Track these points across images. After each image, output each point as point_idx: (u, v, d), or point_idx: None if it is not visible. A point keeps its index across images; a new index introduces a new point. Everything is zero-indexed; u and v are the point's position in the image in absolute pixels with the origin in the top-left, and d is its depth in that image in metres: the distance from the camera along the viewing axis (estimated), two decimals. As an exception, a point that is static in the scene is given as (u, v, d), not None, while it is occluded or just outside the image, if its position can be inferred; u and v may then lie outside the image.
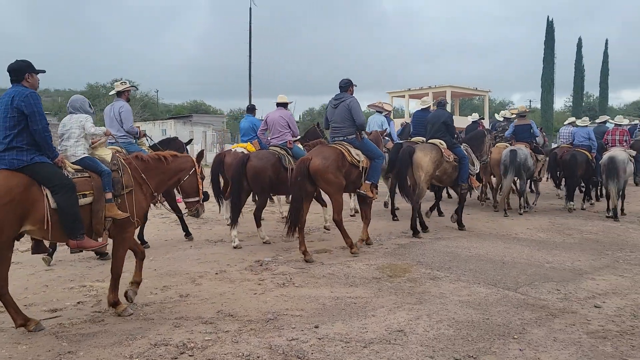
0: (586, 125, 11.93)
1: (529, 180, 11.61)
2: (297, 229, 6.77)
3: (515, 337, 4.14)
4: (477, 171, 9.48)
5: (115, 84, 7.65)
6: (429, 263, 6.51)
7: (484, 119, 12.84)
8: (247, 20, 38.48)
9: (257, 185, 7.58)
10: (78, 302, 5.05)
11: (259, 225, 7.92)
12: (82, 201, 4.36)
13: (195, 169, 5.45)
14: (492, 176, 11.80)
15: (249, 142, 9.63)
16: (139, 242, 6.07)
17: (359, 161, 7.06)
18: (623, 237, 8.25)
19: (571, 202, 11.19)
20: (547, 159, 11.89)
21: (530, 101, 68.00)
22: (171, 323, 4.39)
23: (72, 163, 4.57)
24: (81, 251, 4.66)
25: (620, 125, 11.41)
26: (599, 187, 13.10)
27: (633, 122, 19.47)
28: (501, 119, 12.97)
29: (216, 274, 6.06)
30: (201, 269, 6.31)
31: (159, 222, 9.79)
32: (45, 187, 4.12)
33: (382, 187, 9.51)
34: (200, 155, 5.64)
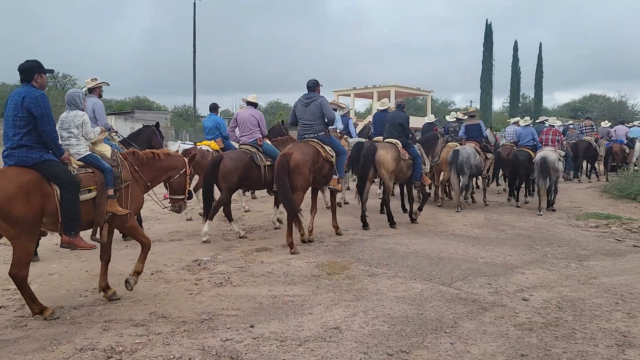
0: (528, 125, 12.61)
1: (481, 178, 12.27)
2: (296, 216, 7.13)
3: (447, 331, 4.25)
4: (428, 170, 9.93)
5: (86, 80, 7.53)
6: (367, 260, 6.59)
7: (432, 122, 13.48)
8: (192, 15, 37.89)
9: (226, 183, 7.81)
10: (0, 307, 4.79)
11: (230, 220, 8.32)
12: (87, 196, 4.64)
13: (186, 169, 5.75)
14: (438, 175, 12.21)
15: (212, 141, 9.76)
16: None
17: (332, 156, 7.59)
18: (552, 233, 8.64)
19: (515, 198, 11.97)
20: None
21: (471, 102, 70.20)
22: (100, 326, 4.23)
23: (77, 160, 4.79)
24: (69, 247, 4.68)
25: (553, 126, 12.08)
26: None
27: (567, 123, 20.59)
28: (452, 120, 13.52)
29: (152, 274, 5.90)
30: (136, 269, 6.11)
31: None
32: (54, 183, 4.37)
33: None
34: (192, 157, 6.00)
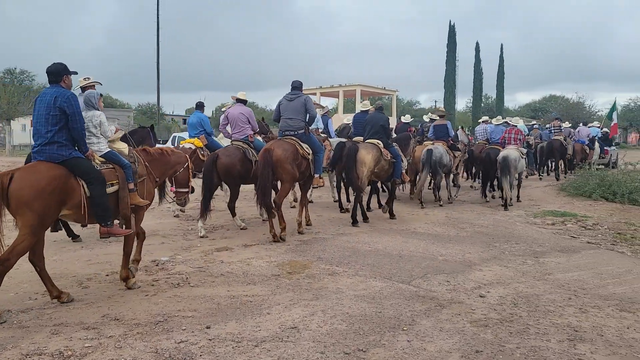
0: (500, 124, 13.39)
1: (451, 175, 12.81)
2: (270, 210, 7.64)
3: (405, 328, 4.27)
4: (406, 168, 10.44)
5: (79, 80, 7.65)
6: (329, 259, 6.58)
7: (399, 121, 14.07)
8: (156, 12, 37.20)
9: (230, 178, 8.29)
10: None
11: (234, 215, 8.66)
12: (110, 189, 5.00)
13: (189, 163, 6.30)
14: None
15: (196, 138, 9.90)
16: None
17: (309, 153, 8.00)
18: (510, 230, 8.82)
19: (492, 193, 12.66)
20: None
21: (435, 101, 71.18)
22: (49, 330, 4.08)
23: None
24: (109, 237, 5.23)
25: (515, 125, 12.73)
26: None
27: (531, 123, 21.26)
28: (427, 120, 13.95)
29: (107, 275, 5.74)
30: (91, 270, 5.94)
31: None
32: (82, 179, 4.69)
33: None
34: (193, 152, 6.80)
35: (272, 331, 4.14)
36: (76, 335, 3.99)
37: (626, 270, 6.33)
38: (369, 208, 10.55)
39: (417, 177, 12.12)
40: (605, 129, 22.96)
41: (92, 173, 4.78)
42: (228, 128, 9.03)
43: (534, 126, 21.67)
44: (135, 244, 5.50)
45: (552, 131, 18.63)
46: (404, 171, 10.02)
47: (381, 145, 9.31)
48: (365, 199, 10.17)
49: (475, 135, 15.73)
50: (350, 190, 10.62)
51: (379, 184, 11.39)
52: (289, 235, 7.98)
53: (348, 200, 11.12)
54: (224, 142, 10.49)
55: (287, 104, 8.07)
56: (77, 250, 6.95)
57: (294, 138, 7.93)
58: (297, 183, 8.58)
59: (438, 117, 12.86)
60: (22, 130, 42.22)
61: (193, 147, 8.82)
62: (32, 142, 4.84)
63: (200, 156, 9.19)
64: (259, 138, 9.12)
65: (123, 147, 5.62)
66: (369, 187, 10.65)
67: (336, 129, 14.01)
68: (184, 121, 57.90)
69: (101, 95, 5.73)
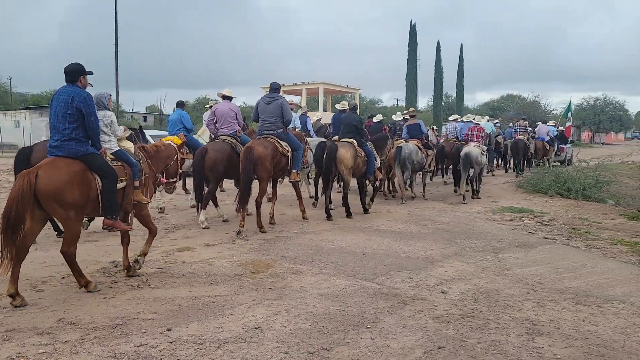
0: (470, 121, 14.04)
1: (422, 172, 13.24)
2: (245, 205, 8.01)
3: (369, 326, 4.28)
4: (379, 166, 10.82)
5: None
6: (292, 257, 6.54)
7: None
8: (114, 7, 36.26)
9: (214, 173, 8.48)
10: None
11: (216, 205, 9.32)
12: (120, 185, 5.29)
13: (177, 156, 6.92)
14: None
15: (175, 135, 9.71)
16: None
17: (287, 151, 8.39)
18: (470, 227, 8.98)
19: (460, 187, 12.80)
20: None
21: (397, 100, 72.08)
22: (0, 336, 3.90)
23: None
24: (111, 230, 5.40)
25: (478, 123, 13.44)
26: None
27: (494, 122, 22.01)
28: (400, 119, 14.31)
29: (63, 278, 5.55)
30: (46, 273, 5.73)
31: None
32: (96, 174, 4.99)
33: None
34: (182, 145, 7.19)
35: (235, 332, 4.08)
36: (29, 341, 3.83)
37: (581, 264, 6.54)
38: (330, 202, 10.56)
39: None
40: (561, 128, 23.80)
41: (106, 169, 5.10)
42: (216, 124, 9.23)
43: (495, 124, 22.45)
44: (128, 238, 5.85)
45: (518, 130, 19.45)
46: (376, 169, 10.42)
47: (355, 143, 9.64)
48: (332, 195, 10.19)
49: (446, 133, 16.50)
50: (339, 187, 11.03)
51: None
52: (252, 234, 7.91)
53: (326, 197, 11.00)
54: (202, 139, 10.94)
55: (265, 107, 8.44)
56: (31, 252, 6.65)
57: (273, 137, 8.32)
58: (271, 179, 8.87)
59: (409, 117, 13.17)
60: (14, 127, 38.63)
61: (172, 144, 8.84)
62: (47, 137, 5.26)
63: (180, 154, 9.13)
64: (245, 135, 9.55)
65: (129, 145, 5.93)
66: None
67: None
68: (144, 119, 56.71)
69: (110, 95, 6.02)
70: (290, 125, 9.33)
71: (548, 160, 19.61)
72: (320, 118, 16.10)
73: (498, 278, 5.83)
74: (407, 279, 5.69)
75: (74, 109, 4.87)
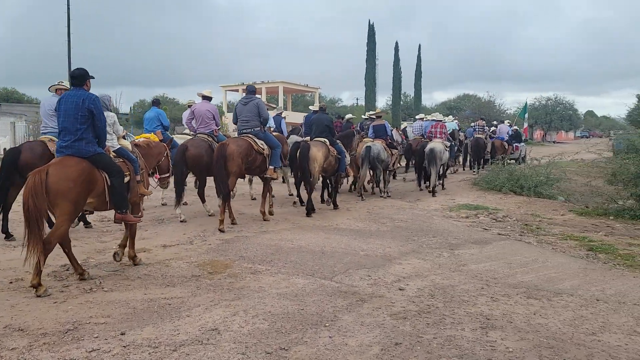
0: (434, 119, 14.76)
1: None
2: (228, 201, 8.38)
3: (327, 324, 4.29)
4: (349, 162, 11.25)
5: (55, 83, 8.10)
6: (251, 257, 6.49)
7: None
8: (66, 1, 35.06)
9: (195, 170, 9.09)
10: None
11: (203, 201, 9.51)
12: (125, 180, 5.68)
13: (167, 152, 7.64)
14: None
15: (152, 133, 10.04)
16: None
17: (263, 149, 8.69)
18: (428, 224, 9.14)
19: (431, 182, 13.36)
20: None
21: (357, 99, 72.56)
22: (-59, 346, 3.72)
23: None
24: (121, 223, 5.87)
25: (440, 120, 14.28)
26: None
27: (454, 121, 22.70)
28: (367, 118, 14.81)
29: (10, 283, 5.32)
30: (-8, 278, 5.49)
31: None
32: (104, 171, 5.37)
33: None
34: (170, 141, 8.28)
35: (192, 334, 4.01)
36: (-27, 349, 3.66)
37: (533, 259, 6.75)
38: (322, 200, 11.36)
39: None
40: (515, 127, 24.73)
41: (113, 166, 5.51)
42: (194, 122, 9.69)
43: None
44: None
45: (476, 129, 20.28)
46: (347, 166, 10.98)
47: (327, 142, 10.10)
48: (319, 193, 11.38)
49: (412, 132, 17.37)
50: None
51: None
52: (211, 234, 7.82)
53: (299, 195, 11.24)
54: (179, 139, 11.26)
55: (242, 107, 8.90)
56: (-23, 257, 6.40)
57: (250, 135, 8.70)
58: (259, 177, 9.47)
59: (375, 117, 13.52)
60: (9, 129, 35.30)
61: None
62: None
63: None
64: (222, 134, 10.06)
65: (127, 144, 6.42)
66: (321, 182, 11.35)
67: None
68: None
69: (110, 97, 6.45)
70: (267, 125, 9.54)
71: (504, 158, 20.38)
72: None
73: (454, 274, 5.95)
74: (366, 277, 5.74)
75: (85, 110, 5.23)
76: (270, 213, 9.46)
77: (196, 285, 5.31)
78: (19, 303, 4.70)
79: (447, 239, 7.86)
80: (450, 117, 21.69)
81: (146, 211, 9.89)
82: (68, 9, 34.81)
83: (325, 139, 10.13)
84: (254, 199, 11.47)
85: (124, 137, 6.60)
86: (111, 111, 6.18)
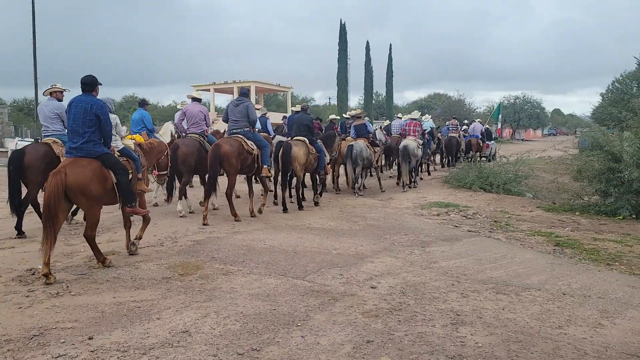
0: (410, 118, 15.19)
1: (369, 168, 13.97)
2: (209, 198, 8.96)
3: (299, 324, 4.28)
4: (329, 162, 11.73)
5: (49, 86, 8.43)
6: (223, 258, 6.44)
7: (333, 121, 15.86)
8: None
9: (186, 166, 9.40)
10: None
11: (185, 198, 9.85)
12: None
13: (167, 151, 8.56)
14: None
15: (137, 134, 10.33)
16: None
17: (252, 149, 9.13)
18: (399, 222, 9.21)
19: (402, 177, 14.02)
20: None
21: (329, 98, 72.66)
22: None
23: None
24: (133, 215, 6.50)
25: (414, 119, 14.72)
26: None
27: (430, 120, 23.18)
28: (349, 117, 15.15)
29: (-27, 289, 5.17)
30: (-47, 284, 5.32)
31: None
32: (111, 170, 5.89)
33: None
34: (172, 141, 9.35)
35: (162, 337, 3.96)
36: None
37: (502, 255, 6.87)
38: (304, 198, 11.29)
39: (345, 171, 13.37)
40: (487, 126, 25.30)
41: (119, 165, 6.02)
42: (184, 123, 10.15)
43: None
44: (130, 223, 6.75)
45: (450, 128, 21.13)
46: (328, 164, 11.52)
47: (307, 141, 10.49)
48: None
49: (390, 130, 17.84)
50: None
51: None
52: (182, 235, 7.73)
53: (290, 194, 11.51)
54: (163, 139, 11.62)
55: (233, 109, 9.35)
56: (-63, 263, 6.19)
57: (240, 135, 9.10)
58: (253, 176, 10.06)
59: (357, 117, 13.82)
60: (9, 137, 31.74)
61: (135, 142, 9.37)
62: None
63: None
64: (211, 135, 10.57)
65: (129, 143, 6.99)
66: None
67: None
68: (67, 117, 53.89)
69: (114, 100, 7.01)
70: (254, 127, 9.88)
71: (480, 156, 21.15)
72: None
73: (425, 271, 6.01)
74: (338, 276, 5.75)
75: (92, 114, 5.72)
76: (260, 211, 9.68)
77: (167, 288, 5.24)
78: (-19, 309, 4.56)
79: (419, 237, 7.94)
80: (428, 116, 22.37)
81: (112, 213, 9.73)
82: (33, 6, 33.99)
83: (304, 138, 10.50)
84: (239, 196, 11.65)
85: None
86: (114, 114, 6.64)
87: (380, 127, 19.22)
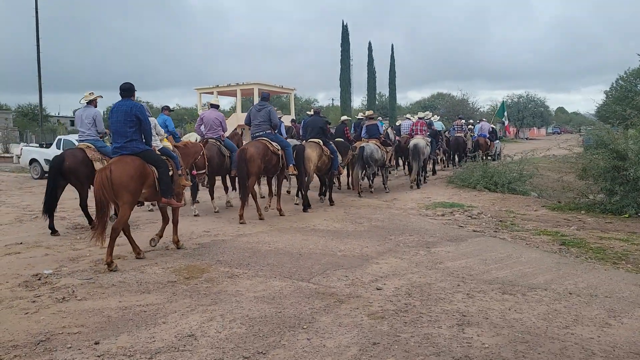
0: (422, 118, 15.74)
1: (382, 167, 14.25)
2: (247, 199, 9.36)
3: (305, 327, 4.28)
4: (341, 162, 12.19)
5: (85, 94, 8.99)
6: (228, 261, 6.45)
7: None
8: (34, 4, 34.35)
9: (209, 169, 9.85)
10: None
11: (212, 198, 10.79)
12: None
13: (203, 151, 9.15)
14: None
15: (165, 138, 10.62)
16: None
17: (278, 150, 9.69)
18: (404, 223, 9.19)
19: (412, 175, 14.58)
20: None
21: (332, 100, 72.70)
22: None
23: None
24: (166, 206, 7.05)
25: (421, 118, 15.31)
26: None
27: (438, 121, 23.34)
28: (362, 117, 15.45)
29: (-20, 295, 5.19)
30: (-40, 290, 5.34)
31: None
32: (153, 165, 6.44)
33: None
34: (205, 142, 10.05)
35: (168, 341, 3.96)
36: (-60, 365, 3.56)
37: (507, 255, 6.84)
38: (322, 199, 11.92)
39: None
40: (492, 126, 25.28)
41: (160, 161, 6.60)
42: (202, 128, 10.78)
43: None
44: (168, 219, 7.23)
45: (456, 129, 21.47)
46: (340, 165, 11.90)
47: (321, 143, 10.94)
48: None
49: (400, 131, 18.06)
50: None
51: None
52: (187, 239, 7.74)
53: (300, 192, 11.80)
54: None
55: (256, 113, 9.82)
56: (-56, 269, 6.22)
57: (265, 138, 9.62)
58: (274, 176, 10.57)
59: (369, 118, 14.06)
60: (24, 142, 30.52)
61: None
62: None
63: None
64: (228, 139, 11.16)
65: (168, 144, 7.79)
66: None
67: None
68: (72, 123, 54.20)
69: (147, 103, 8.29)
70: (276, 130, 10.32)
71: (487, 154, 21.27)
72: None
73: (430, 272, 5.99)
74: (343, 277, 5.74)
75: (133, 116, 6.30)
76: (265, 209, 10.13)
77: (172, 291, 5.24)
78: (-12, 315, 4.58)
79: (424, 238, 7.92)
80: (437, 117, 22.77)
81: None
82: (36, 12, 34.17)
83: (318, 140, 10.97)
84: (263, 197, 12.13)
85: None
86: (151, 116, 7.36)
87: (391, 127, 19.44)
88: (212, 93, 39.52)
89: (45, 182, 8.72)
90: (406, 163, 17.49)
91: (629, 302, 4.97)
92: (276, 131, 11.07)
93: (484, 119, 25.52)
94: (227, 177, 11.32)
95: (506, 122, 27.83)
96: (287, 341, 3.99)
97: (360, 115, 16.35)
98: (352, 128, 15.99)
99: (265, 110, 9.79)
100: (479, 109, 55.20)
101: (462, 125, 21.73)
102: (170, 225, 7.24)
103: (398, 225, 8.94)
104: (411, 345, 3.92)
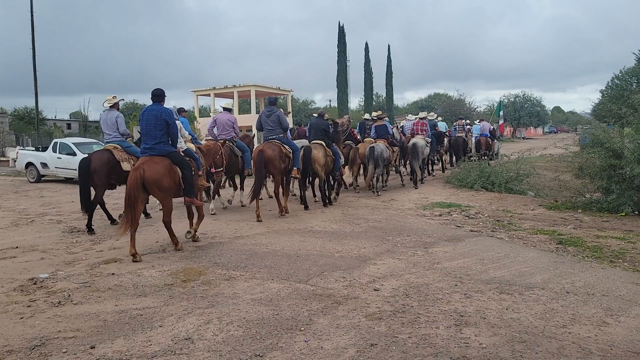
0: (424, 119, 15.99)
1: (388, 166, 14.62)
2: (258, 197, 9.65)
3: (302, 329, 4.26)
4: (343, 163, 12.62)
5: (107, 97, 9.31)
6: (225, 263, 6.42)
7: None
8: (29, 6, 34.26)
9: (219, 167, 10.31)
10: None
11: (216, 197, 11.30)
12: None
13: (222, 150, 10.14)
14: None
15: (189, 139, 11.06)
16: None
17: (289, 152, 10.09)
18: (402, 224, 9.18)
19: (416, 174, 14.86)
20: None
21: (330, 101, 72.69)
22: None
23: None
24: (190, 205, 7.70)
25: (422, 118, 15.58)
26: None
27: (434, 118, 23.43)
28: (369, 118, 15.67)
29: (-25, 300, 5.16)
30: (-45, 295, 5.31)
31: None
32: (178, 165, 6.97)
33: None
34: (223, 143, 10.64)
35: (164, 345, 3.94)
36: None
37: (504, 254, 6.84)
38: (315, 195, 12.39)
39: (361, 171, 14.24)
40: (492, 126, 25.36)
41: (184, 162, 7.12)
42: (215, 130, 11.26)
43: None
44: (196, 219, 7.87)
45: (457, 129, 21.56)
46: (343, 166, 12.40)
47: (324, 144, 11.27)
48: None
49: (402, 130, 18.15)
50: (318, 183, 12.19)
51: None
52: (183, 241, 7.71)
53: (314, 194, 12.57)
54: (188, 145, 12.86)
55: (266, 118, 10.14)
56: (-61, 274, 6.18)
57: (277, 140, 9.97)
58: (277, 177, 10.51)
59: (377, 119, 14.26)
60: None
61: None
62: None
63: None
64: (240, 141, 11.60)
65: (192, 146, 8.41)
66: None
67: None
68: (69, 126, 54.10)
69: (174, 107, 8.60)
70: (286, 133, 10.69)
71: (488, 154, 21.29)
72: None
73: (428, 272, 5.98)
74: (341, 279, 5.73)
75: (162, 120, 6.82)
76: (286, 210, 10.40)
77: (169, 294, 5.22)
78: (-17, 320, 4.55)
79: (421, 238, 7.91)
80: (440, 117, 23.00)
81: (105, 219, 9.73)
82: (32, 15, 34.08)
83: (321, 142, 11.28)
84: (271, 197, 12.32)
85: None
86: (178, 120, 7.77)
87: (397, 127, 19.40)
88: (209, 95, 39.43)
89: (45, 184, 8.73)
90: (407, 163, 17.64)
91: (626, 300, 4.97)
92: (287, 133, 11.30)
93: (484, 119, 25.59)
94: (238, 176, 11.77)
95: (501, 121, 27.89)
96: (284, 343, 3.97)
97: (366, 116, 16.51)
98: (359, 128, 16.01)
99: (274, 115, 10.07)
100: (475, 108, 55.28)
101: (463, 126, 21.90)
102: (174, 224, 7.44)
103: (396, 226, 8.93)
104: (409, 346, 3.91)
